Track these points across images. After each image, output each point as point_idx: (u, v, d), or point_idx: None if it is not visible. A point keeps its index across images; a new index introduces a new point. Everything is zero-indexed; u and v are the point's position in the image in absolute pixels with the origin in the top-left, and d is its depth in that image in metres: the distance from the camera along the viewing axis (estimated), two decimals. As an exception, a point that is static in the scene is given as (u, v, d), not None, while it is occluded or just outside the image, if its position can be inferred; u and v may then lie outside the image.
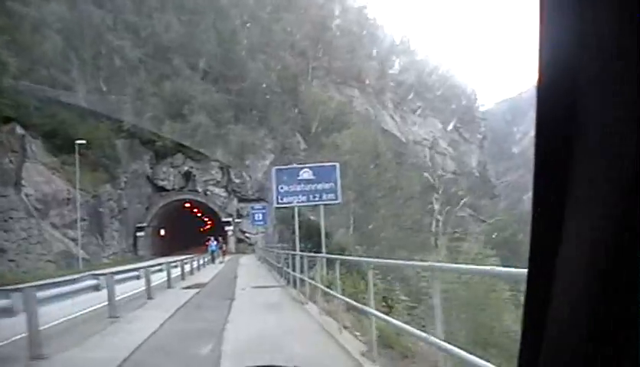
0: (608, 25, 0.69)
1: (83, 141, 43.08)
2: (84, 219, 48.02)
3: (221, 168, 61.58)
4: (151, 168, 61.10)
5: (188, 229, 69.73)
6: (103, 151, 53.37)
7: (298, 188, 16.95)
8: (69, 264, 40.60)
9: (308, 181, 16.99)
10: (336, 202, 17.28)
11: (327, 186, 16.95)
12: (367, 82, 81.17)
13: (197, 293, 17.03)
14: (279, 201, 17.15)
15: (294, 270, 16.67)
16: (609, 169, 0.70)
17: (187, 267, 26.20)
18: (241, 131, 61.56)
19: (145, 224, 58.24)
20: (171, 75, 64.71)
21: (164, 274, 20.05)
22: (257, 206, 44.96)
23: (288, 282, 18.15)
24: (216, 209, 60.40)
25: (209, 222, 71.47)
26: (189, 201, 61.22)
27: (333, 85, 77.75)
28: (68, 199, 46.73)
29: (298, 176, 17.07)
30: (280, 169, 18.32)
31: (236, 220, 60.30)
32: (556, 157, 0.77)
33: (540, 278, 0.83)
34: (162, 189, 60.97)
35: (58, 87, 51.21)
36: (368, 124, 66.35)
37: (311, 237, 26.29)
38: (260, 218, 41.79)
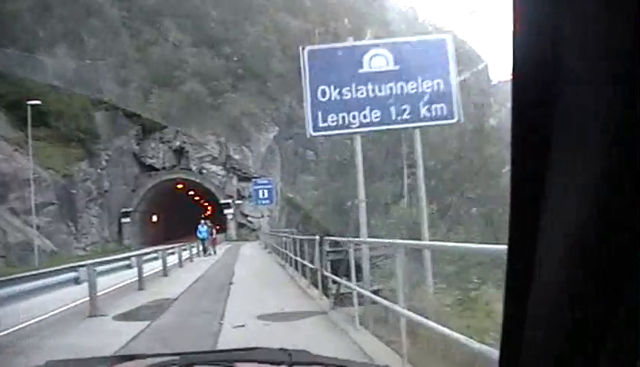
0: (594, 24, 0.66)
1: (38, 102, 33.00)
2: (52, 203, 38.16)
3: (218, 143, 51.44)
4: (138, 144, 51.02)
5: (185, 215, 59.68)
6: (78, 124, 43.33)
7: (362, 92, 6.99)
8: (22, 258, 30.62)
9: (382, 76, 7.03)
10: (451, 120, 7.27)
11: (428, 86, 7.02)
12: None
13: (131, 341, 7.03)
14: (319, 124, 7.18)
15: (359, 278, 6.80)
16: (587, 168, 0.68)
17: (155, 266, 16.35)
18: (240, 100, 51.51)
19: (130, 209, 48.28)
20: (158, 39, 54.63)
21: (111, 278, 10.46)
22: (261, 180, 34.67)
23: (337, 300, 8.28)
24: (212, 189, 50.28)
25: (209, 207, 61.72)
26: (181, 181, 51.01)
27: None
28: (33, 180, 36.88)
29: (361, 66, 7.07)
30: (320, 50, 7.94)
31: (237, 202, 50.26)
32: (533, 157, 0.73)
33: (519, 280, 0.78)
34: (151, 168, 50.88)
35: (26, 51, 41.37)
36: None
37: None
38: (265, 195, 31.70)
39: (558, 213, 0.70)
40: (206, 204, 58.97)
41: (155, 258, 16.61)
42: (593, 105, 0.66)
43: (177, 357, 1.69)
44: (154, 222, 54.11)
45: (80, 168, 42.42)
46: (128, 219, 47.98)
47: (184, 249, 22.74)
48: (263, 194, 31.40)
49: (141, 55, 52.22)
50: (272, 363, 1.56)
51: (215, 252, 28.02)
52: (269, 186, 31.57)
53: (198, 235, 27.25)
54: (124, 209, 47.84)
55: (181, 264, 20.23)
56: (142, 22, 54.60)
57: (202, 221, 27.85)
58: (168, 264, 17.21)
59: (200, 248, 26.86)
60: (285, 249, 18.13)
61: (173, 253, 20.16)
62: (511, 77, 0.72)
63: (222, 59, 55.24)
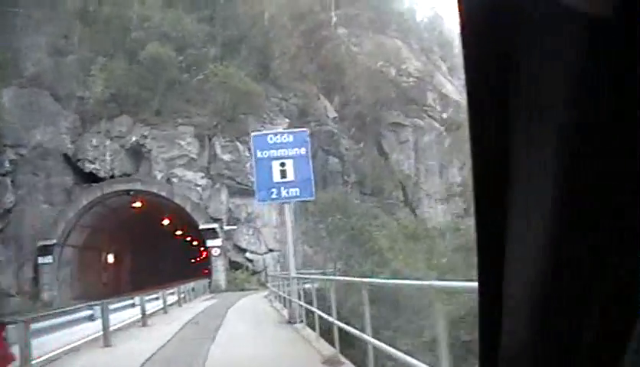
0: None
1: None
2: None
3: (197, 137, 31.05)
4: (73, 141, 30.53)
5: (153, 252, 39.10)
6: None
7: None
8: None
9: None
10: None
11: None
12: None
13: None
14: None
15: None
16: (547, 169, 0.61)
17: None
18: (233, 76, 31.55)
19: (54, 241, 27.62)
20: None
21: None
22: (278, 134, 12.13)
23: None
24: (188, 208, 29.46)
25: (188, 238, 41.09)
26: (137, 195, 30.10)
27: (366, 32, 47.91)
28: None
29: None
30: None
31: (227, 227, 29.57)
32: (494, 167, 0.68)
33: (490, 290, 0.73)
34: (92, 177, 30.31)
35: None
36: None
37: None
38: (291, 176, 10.21)
39: (522, 226, 0.63)
40: (175, 230, 38.22)
41: None
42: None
43: None
44: (112, 265, 33.91)
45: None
46: (49, 259, 27.30)
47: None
48: (283, 172, 10.17)
49: (81, 8, 32.45)
50: None
51: None
52: (301, 151, 10.48)
53: None
54: (43, 242, 27.25)
55: None
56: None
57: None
58: None
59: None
60: None
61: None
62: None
63: (205, 23, 35.43)
